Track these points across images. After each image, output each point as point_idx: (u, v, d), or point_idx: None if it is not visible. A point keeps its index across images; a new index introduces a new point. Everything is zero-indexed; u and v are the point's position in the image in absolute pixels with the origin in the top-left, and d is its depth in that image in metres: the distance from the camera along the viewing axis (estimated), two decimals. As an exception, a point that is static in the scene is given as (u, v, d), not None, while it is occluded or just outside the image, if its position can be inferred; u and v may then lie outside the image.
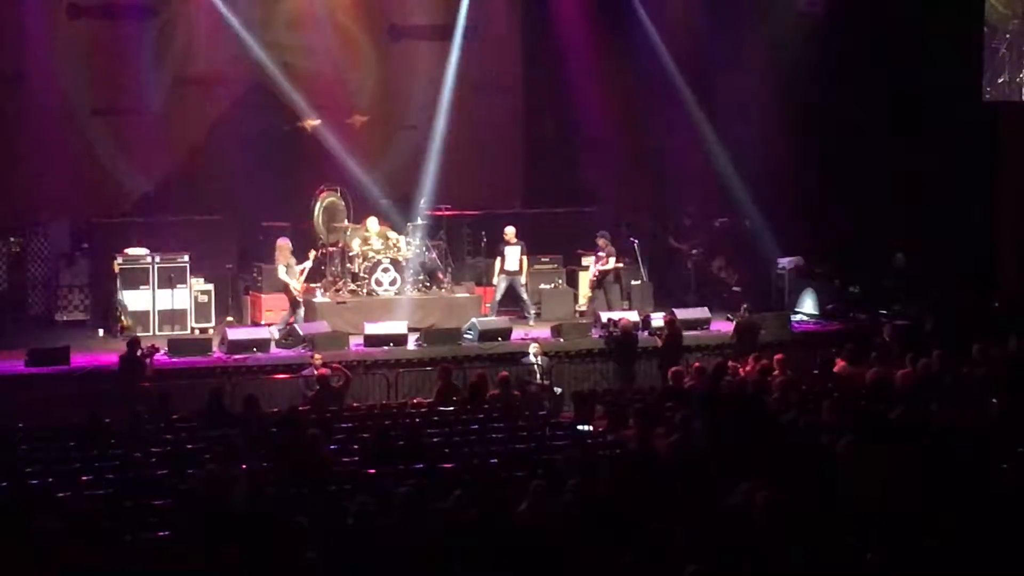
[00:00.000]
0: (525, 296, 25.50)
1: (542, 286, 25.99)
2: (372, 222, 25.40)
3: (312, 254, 24.19)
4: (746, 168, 27.46)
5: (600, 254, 25.61)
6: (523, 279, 25.42)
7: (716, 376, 19.57)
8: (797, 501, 12.69)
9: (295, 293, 23.72)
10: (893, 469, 13.89)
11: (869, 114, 27.35)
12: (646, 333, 24.00)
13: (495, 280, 25.46)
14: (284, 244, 23.95)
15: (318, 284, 25.10)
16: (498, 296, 25.40)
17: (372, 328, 23.33)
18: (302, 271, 23.88)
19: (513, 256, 25.31)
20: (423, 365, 22.51)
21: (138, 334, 22.62)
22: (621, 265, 25.72)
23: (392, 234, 25.45)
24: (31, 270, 25.72)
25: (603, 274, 25.57)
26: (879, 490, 13.29)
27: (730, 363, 20.63)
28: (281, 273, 23.70)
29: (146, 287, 24.37)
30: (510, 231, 25.44)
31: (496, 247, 25.81)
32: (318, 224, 25.94)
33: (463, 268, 26.84)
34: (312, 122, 27.28)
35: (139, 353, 20.37)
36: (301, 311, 23.87)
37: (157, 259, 24.53)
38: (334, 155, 27.10)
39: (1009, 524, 12.24)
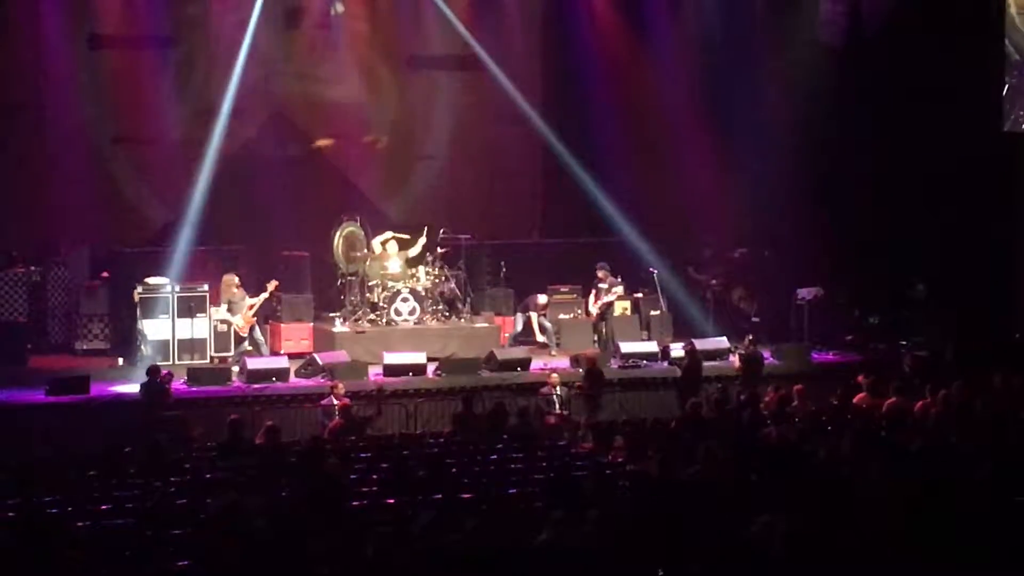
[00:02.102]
0: (548, 324, 25.57)
1: (561, 316, 25.97)
2: (391, 245, 25.50)
3: (270, 286, 24.32)
4: (765, 199, 27.43)
5: (601, 286, 25.59)
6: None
7: (744, 407, 19.57)
8: (817, 533, 12.64)
9: (238, 329, 24.03)
10: (914, 501, 13.84)
11: (888, 145, 27.34)
12: (666, 363, 24.04)
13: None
14: (229, 280, 24.30)
15: (337, 313, 25.18)
16: (518, 328, 25.51)
17: (391, 358, 23.35)
18: (252, 306, 24.07)
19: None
20: (442, 395, 22.50)
21: (158, 363, 22.70)
22: (618, 295, 25.73)
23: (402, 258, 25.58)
24: (51, 299, 25.75)
25: (606, 307, 25.58)
26: (899, 522, 13.24)
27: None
28: (221, 312, 23.93)
29: (166, 316, 24.42)
30: (542, 299, 25.57)
31: (518, 279, 26.05)
32: (337, 254, 26.02)
33: (482, 298, 26.85)
34: (324, 142, 27.41)
35: (159, 380, 20.43)
36: (244, 345, 24.18)
37: (177, 288, 24.59)
38: (354, 184, 27.17)
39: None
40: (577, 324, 25.91)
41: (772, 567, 11.90)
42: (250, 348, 24.25)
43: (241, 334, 24.24)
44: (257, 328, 24.40)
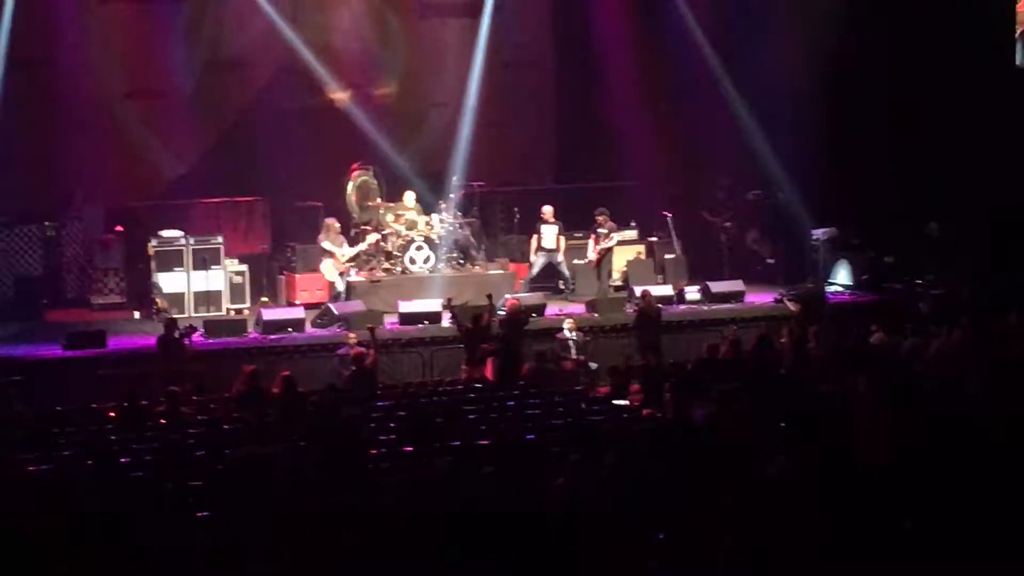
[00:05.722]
0: (566, 272, 25.57)
1: (575, 261, 25.95)
2: (409, 196, 25.51)
3: (370, 238, 24.48)
4: (779, 140, 27.33)
5: (600, 231, 25.48)
6: (560, 256, 25.53)
7: (760, 349, 19.60)
8: (832, 473, 12.67)
9: (337, 267, 24.08)
10: (929, 439, 13.85)
11: (901, 82, 27.20)
12: (681, 306, 24.07)
13: (532, 257, 25.59)
14: (330, 223, 24.37)
15: (352, 263, 25.21)
16: (534, 272, 25.53)
17: (406, 306, 23.39)
18: (351, 254, 24.21)
19: (550, 235, 25.48)
20: (457, 342, 22.49)
21: (173, 316, 22.73)
22: (618, 240, 25.63)
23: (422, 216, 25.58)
24: (66, 254, 25.76)
25: (605, 252, 25.45)
26: (915, 460, 13.26)
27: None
28: (347, 250, 24.36)
29: (181, 269, 24.46)
30: (547, 210, 25.56)
31: (532, 225, 25.91)
32: (351, 203, 26.00)
33: (496, 245, 26.84)
34: (340, 94, 27.32)
35: (176, 334, 20.47)
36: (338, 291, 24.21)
37: (191, 241, 24.62)
38: (366, 134, 27.14)
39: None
40: (591, 269, 25.87)
41: (788, 507, 11.93)
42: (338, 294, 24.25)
43: (328, 277, 24.31)
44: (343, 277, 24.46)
